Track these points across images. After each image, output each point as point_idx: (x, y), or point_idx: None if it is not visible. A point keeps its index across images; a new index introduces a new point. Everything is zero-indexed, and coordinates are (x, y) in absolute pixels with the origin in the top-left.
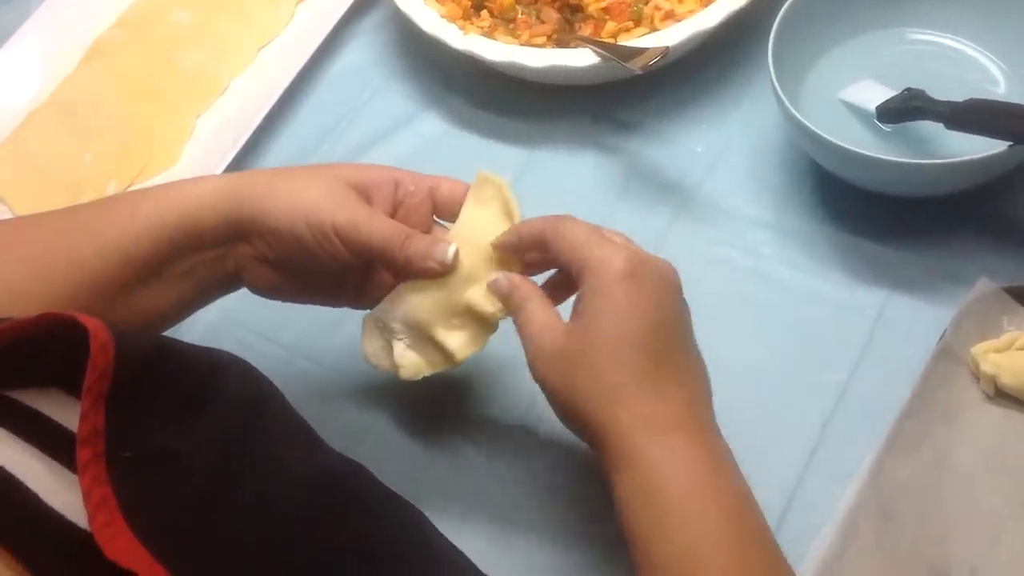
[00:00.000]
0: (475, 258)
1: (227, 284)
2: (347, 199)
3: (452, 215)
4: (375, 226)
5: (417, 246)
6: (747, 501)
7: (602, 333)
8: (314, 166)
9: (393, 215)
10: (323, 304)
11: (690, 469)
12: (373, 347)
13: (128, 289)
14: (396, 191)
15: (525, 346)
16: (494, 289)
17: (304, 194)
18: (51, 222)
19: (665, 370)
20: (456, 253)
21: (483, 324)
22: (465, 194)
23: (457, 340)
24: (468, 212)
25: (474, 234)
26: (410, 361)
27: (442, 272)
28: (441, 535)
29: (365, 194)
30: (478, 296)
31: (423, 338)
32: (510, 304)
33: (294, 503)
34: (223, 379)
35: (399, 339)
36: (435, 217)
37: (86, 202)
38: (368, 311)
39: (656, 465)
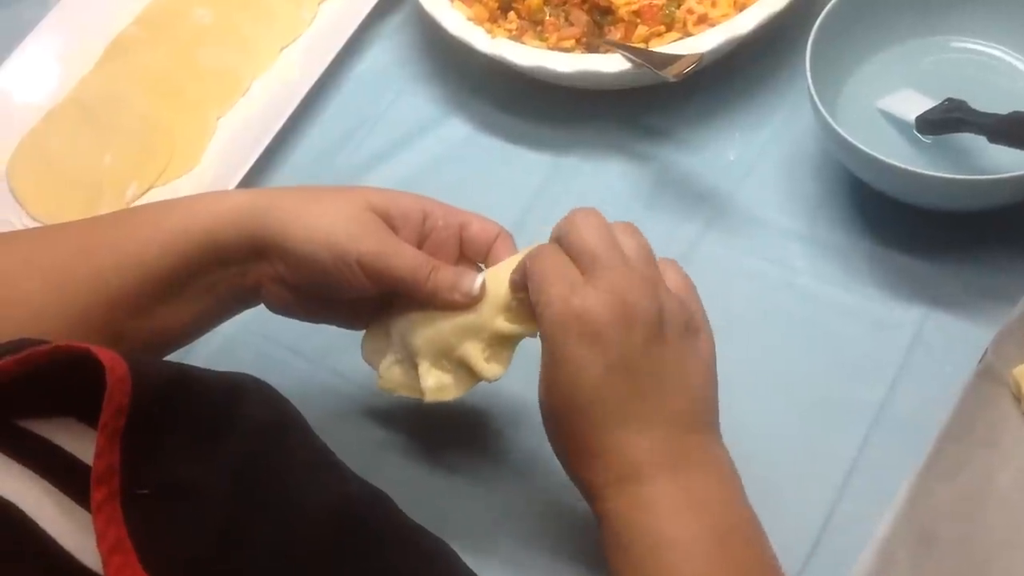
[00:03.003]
0: (485, 309)
1: (246, 300)
2: (373, 228)
3: (478, 254)
4: (401, 257)
5: (444, 278)
6: (728, 536)
7: (548, 398)
8: (341, 189)
9: (419, 247)
10: (338, 326)
11: (662, 517)
12: (372, 345)
13: (147, 305)
14: (424, 223)
15: None
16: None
17: (328, 220)
18: (70, 234)
19: (649, 404)
20: (483, 285)
21: (469, 377)
22: (495, 235)
23: (434, 381)
24: (493, 270)
25: (491, 285)
26: (392, 376)
27: (467, 305)
28: (465, 566)
29: (391, 222)
30: (475, 353)
31: (410, 363)
32: None
33: (313, 538)
34: (242, 407)
35: (393, 351)
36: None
37: (107, 214)
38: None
39: (626, 522)
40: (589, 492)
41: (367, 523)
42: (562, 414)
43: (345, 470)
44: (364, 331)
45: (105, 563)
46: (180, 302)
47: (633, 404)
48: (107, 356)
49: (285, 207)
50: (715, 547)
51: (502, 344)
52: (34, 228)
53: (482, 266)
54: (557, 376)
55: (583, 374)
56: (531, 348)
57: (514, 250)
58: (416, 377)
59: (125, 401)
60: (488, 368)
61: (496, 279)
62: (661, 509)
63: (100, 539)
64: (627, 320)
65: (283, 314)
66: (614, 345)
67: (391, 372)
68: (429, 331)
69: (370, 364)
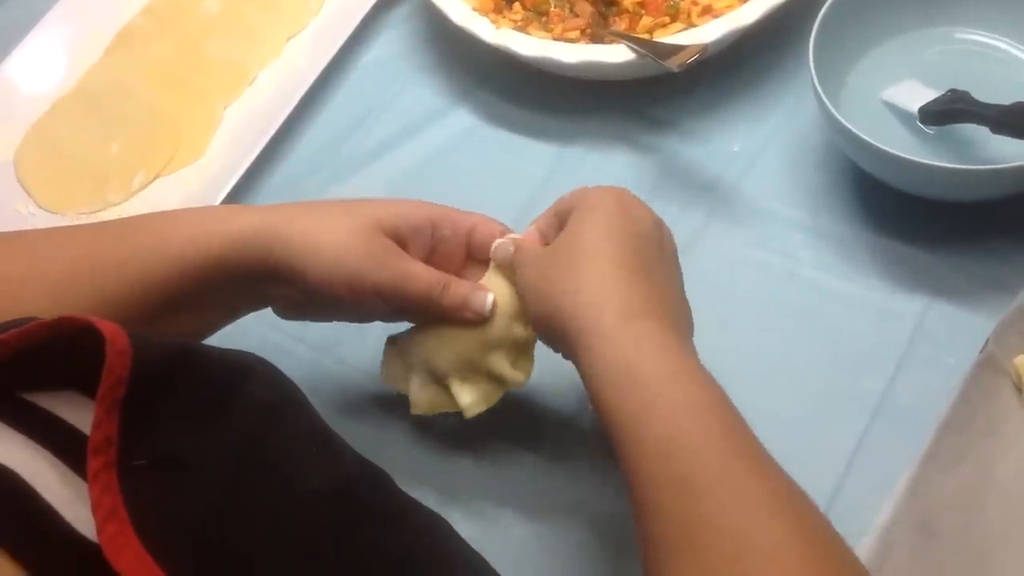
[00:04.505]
0: (500, 320)
1: (254, 309)
2: (387, 253)
3: (485, 256)
4: (415, 281)
5: (455, 295)
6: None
7: (582, 237)
8: (352, 207)
9: (428, 258)
10: (352, 322)
11: (668, 351)
12: (393, 371)
13: (151, 316)
14: (432, 234)
15: (515, 263)
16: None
17: (341, 250)
18: (75, 243)
19: (640, 277)
20: (494, 303)
21: (500, 384)
22: (499, 235)
23: (470, 396)
24: (490, 278)
25: (498, 295)
26: (424, 399)
27: (478, 321)
28: (463, 543)
29: (402, 239)
30: (501, 363)
31: (438, 382)
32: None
33: (310, 513)
34: (245, 384)
35: (417, 374)
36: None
37: (114, 221)
38: (389, 335)
39: (636, 344)
40: (588, 338)
41: (365, 501)
42: (611, 247)
43: (346, 449)
44: (383, 357)
45: (99, 531)
46: (185, 314)
47: (657, 280)
48: (109, 328)
49: (295, 232)
50: (723, 392)
51: (522, 350)
52: (38, 231)
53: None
54: (608, 222)
55: (641, 238)
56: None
57: None
58: (448, 395)
59: (124, 373)
60: (515, 375)
61: (502, 288)
62: (669, 347)
63: (95, 507)
64: (659, 236)
65: (292, 320)
66: (654, 238)
67: (423, 396)
68: (452, 352)
69: (392, 384)
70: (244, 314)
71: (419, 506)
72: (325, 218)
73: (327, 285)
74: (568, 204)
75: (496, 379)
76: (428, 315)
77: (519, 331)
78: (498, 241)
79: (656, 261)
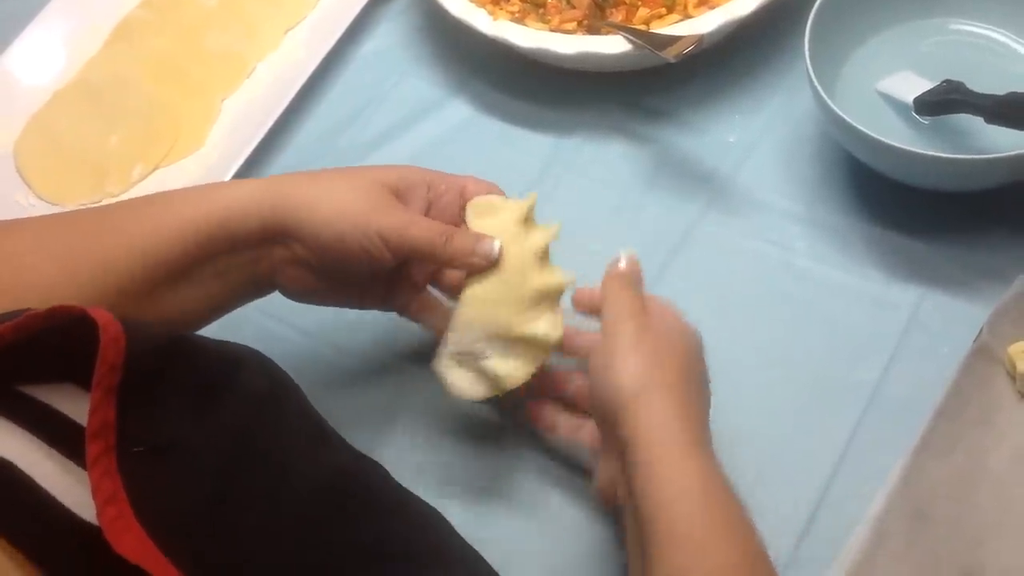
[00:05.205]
0: (513, 275)
1: (259, 287)
2: (388, 203)
3: None
4: (419, 227)
5: (461, 243)
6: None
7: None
8: (350, 170)
9: (426, 215)
10: (350, 307)
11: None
12: (463, 381)
13: (157, 290)
14: (428, 192)
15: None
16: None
17: (346, 198)
18: (83, 220)
19: (691, 386)
20: (501, 249)
21: (536, 348)
22: (492, 193)
23: (505, 367)
24: (478, 223)
25: (509, 248)
26: (510, 369)
27: (487, 267)
28: (456, 535)
29: (400, 196)
30: (529, 324)
31: (509, 343)
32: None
33: (304, 503)
34: (239, 373)
35: (487, 357)
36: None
37: (120, 201)
38: (434, 362)
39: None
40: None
41: (358, 493)
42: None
43: (338, 441)
44: (443, 379)
45: (100, 513)
46: (189, 288)
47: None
48: (102, 316)
49: (300, 192)
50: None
51: (546, 304)
52: (47, 215)
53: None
54: (674, 332)
55: (697, 354)
56: None
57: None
58: (525, 349)
59: (119, 360)
60: (546, 332)
61: (508, 243)
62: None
63: (95, 491)
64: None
65: (298, 299)
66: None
67: (504, 367)
68: (480, 329)
69: (475, 397)
70: (248, 297)
71: (415, 500)
72: (326, 177)
73: (333, 232)
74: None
75: (531, 344)
76: (434, 266)
77: (536, 280)
78: (619, 259)
79: (703, 377)
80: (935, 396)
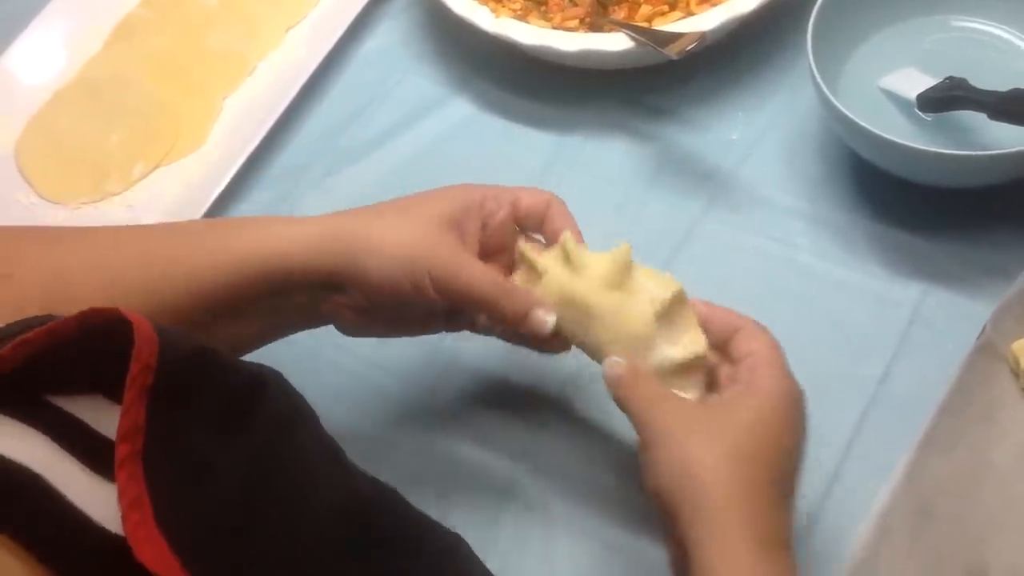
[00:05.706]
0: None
1: (313, 323)
2: (443, 244)
3: (534, 227)
4: (470, 275)
5: (512, 309)
6: None
7: (741, 441)
8: (407, 206)
9: (482, 235)
10: (414, 335)
11: None
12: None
13: (201, 320)
14: (482, 211)
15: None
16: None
17: (400, 242)
18: (131, 241)
19: (776, 490)
20: (555, 325)
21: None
22: (544, 204)
23: (687, 347)
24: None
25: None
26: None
27: (541, 339)
28: (478, 562)
29: (457, 223)
30: (679, 352)
31: (681, 371)
32: None
33: (321, 530)
34: (263, 394)
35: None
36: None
37: (173, 223)
38: None
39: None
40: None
41: (375, 521)
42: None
43: (353, 467)
44: None
45: (124, 518)
46: (239, 322)
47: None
48: (136, 318)
49: (358, 235)
50: None
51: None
52: (93, 228)
53: (540, 238)
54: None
55: (798, 442)
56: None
57: (569, 215)
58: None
59: (152, 361)
60: (698, 350)
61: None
62: None
63: (121, 494)
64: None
65: (354, 335)
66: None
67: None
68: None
69: None
70: (299, 329)
71: (435, 526)
72: (383, 218)
73: (388, 278)
74: (747, 345)
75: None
76: (487, 313)
77: (670, 352)
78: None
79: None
80: (938, 393)
